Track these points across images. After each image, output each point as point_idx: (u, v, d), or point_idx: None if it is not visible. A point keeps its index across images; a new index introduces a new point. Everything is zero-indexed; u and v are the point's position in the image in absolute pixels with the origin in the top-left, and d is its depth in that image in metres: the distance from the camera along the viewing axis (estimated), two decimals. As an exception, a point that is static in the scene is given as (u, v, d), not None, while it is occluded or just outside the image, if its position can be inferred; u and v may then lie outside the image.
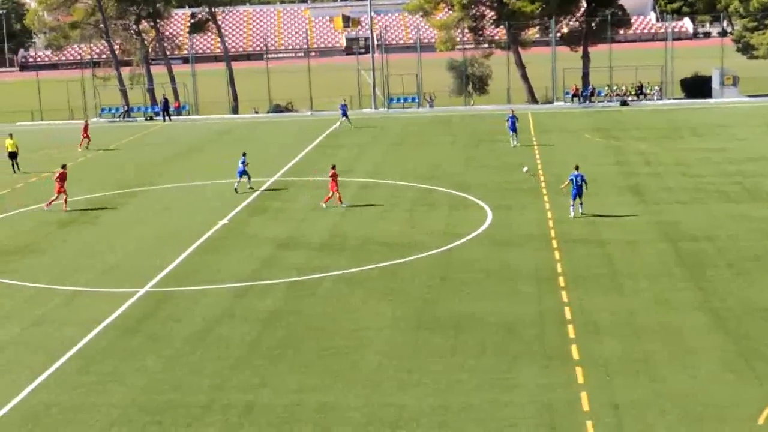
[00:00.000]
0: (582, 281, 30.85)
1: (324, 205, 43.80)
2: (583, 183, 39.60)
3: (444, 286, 31.05)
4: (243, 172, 48.41)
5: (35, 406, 22.72)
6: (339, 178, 44.30)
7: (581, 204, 39.65)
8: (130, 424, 21.64)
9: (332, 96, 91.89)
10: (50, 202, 45.64)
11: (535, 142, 61.76)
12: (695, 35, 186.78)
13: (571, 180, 39.42)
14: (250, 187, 48.72)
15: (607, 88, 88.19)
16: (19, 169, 57.62)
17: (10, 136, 58.58)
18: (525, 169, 48.38)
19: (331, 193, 43.90)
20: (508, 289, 30.45)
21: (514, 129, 61.03)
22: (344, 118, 75.05)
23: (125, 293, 31.48)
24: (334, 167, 44.23)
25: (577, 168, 39.85)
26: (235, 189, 48.12)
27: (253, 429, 21.17)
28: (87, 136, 68.54)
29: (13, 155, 57.82)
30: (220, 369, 24.50)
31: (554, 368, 23.68)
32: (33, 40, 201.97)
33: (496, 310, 28.23)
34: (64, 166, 46.96)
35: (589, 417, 20.98)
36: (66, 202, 45.44)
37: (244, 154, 49.41)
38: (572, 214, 39.50)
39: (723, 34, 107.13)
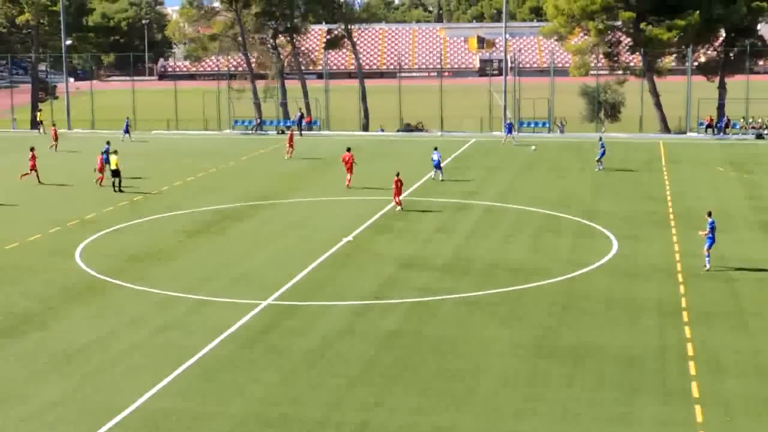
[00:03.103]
0: (707, 317, 30.26)
1: (399, 209, 48.06)
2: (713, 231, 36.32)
3: (565, 315, 30.78)
4: (437, 165, 57.36)
5: (156, 411, 23.23)
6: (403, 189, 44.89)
7: (708, 256, 36.23)
8: (246, 434, 22.00)
9: (464, 116, 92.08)
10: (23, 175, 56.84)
11: (665, 172, 60.79)
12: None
13: (711, 227, 36.00)
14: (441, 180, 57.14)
15: (742, 120, 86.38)
16: (120, 190, 54.88)
17: (115, 152, 56.44)
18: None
19: (396, 198, 48.38)
20: (630, 321, 30.03)
21: (602, 154, 62.68)
22: (509, 135, 78.04)
23: (249, 304, 31.97)
24: (398, 174, 48.68)
25: (710, 215, 36.64)
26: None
27: (367, 448, 21.29)
28: (56, 139, 74.97)
29: (115, 173, 55.22)
30: (337, 386, 24.71)
31: (673, 405, 23.27)
32: (173, 50, 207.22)
33: (617, 342, 27.88)
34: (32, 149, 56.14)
35: (707, 458, 20.58)
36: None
37: (435, 149, 58.64)
38: (708, 266, 36.04)
39: None
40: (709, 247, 36.03)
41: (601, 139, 64.24)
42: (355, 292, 33.67)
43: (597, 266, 37.17)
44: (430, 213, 48.25)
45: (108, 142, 61.15)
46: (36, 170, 58.42)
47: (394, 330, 29.31)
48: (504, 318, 30.48)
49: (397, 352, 27.31)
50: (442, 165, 58.77)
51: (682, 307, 31.47)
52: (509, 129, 79.15)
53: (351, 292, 33.70)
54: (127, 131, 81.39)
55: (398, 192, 48.44)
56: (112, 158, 55.39)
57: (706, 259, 36.11)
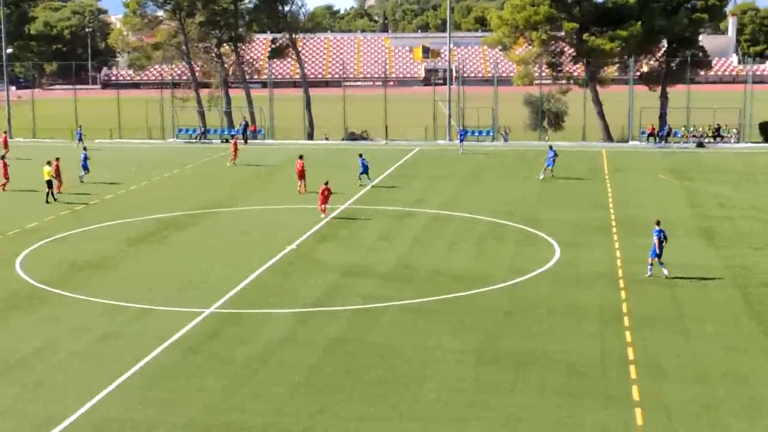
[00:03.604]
0: (647, 322, 30.57)
1: (323, 216, 47.90)
2: (665, 240, 36.26)
3: (508, 321, 30.96)
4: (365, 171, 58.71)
5: (99, 420, 23.03)
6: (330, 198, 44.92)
7: (662, 264, 36.07)
8: (188, 443, 21.88)
9: (408, 125, 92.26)
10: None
11: (608, 180, 61.36)
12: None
13: (658, 237, 35.91)
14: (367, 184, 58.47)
15: (684, 129, 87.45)
16: (55, 199, 54.39)
17: (48, 163, 55.75)
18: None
19: (322, 206, 48.09)
20: (572, 327, 30.27)
21: (551, 163, 63.01)
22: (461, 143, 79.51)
23: (192, 313, 31.81)
24: (326, 183, 48.54)
25: (658, 224, 36.65)
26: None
27: (310, 454, 21.27)
28: (6, 148, 75.33)
29: (49, 184, 54.60)
30: (280, 393, 24.66)
31: (614, 409, 23.49)
32: (116, 59, 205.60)
33: (559, 348, 28.09)
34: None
35: (648, 461, 20.79)
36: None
37: (360, 155, 59.92)
38: (650, 273, 36.21)
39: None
40: (653, 255, 36.08)
41: (551, 147, 64.45)
42: (299, 299, 33.61)
43: (540, 273, 37.43)
44: (374, 221, 48.33)
45: (85, 148, 62.38)
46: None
47: (338, 337, 29.31)
48: (447, 325, 30.56)
49: (340, 359, 27.32)
50: (369, 172, 60.04)
51: (624, 312, 31.77)
52: (462, 137, 79.80)
53: (294, 299, 33.63)
54: (80, 140, 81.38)
55: (324, 200, 48.19)
56: (45, 169, 55.10)
57: (649, 267, 36.27)
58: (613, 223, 47.25)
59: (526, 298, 33.65)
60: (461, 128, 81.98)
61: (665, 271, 35.91)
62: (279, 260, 39.75)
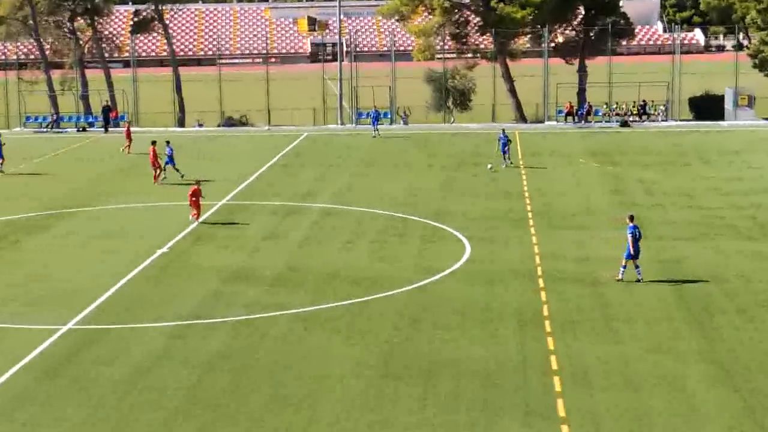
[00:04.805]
0: (571, 326, 30.89)
1: (195, 222, 46.45)
2: (640, 237, 35.79)
3: (415, 329, 31.00)
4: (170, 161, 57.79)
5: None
6: (200, 197, 45.85)
7: (638, 267, 35.75)
8: (47, 481, 21.47)
9: (294, 108, 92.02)
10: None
11: (522, 166, 61.89)
12: (707, 48, 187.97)
13: (632, 234, 35.38)
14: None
15: (605, 106, 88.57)
16: None
17: None
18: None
19: (194, 210, 46.81)
20: (487, 332, 30.43)
21: (505, 150, 61.99)
22: (375, 126, 79.42)
23: (47, 330, 31.25)
24: (198, 183, 47.55)
25: (631, 219, 36.12)
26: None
27: (190, 490, 21.02)
28: None
29: None
30: (153, 420, 24.33)
31: (537, 425, 23.64)
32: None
33: (473, 357, 28.21)
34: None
35: (576, 482, 20.96)
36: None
37: (168, 143, 58.51)
38: (621, 276, 35.76)
39: (738, 47, 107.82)
40: (628, 257, 35.67)
41: (504, 131, 63.42)
42: (173, 311, 33.26)
43: (448, 273, 37.59)
44: (257, 218, 48.10)
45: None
46: None
47: (219, 353, 29.05)
48: (345, 334, 30.53)
49: (223, 378, 27.07)
50: None
51: (544, 315, 32.06)
52: (376, 120, 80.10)
53: (168, 311, 33.27)
54: None
55: (195, 204, 46.80)
56: None
57: (621, 269, 35.77)
58: (530, 215, 47.68)
59: (434, 302, 33.75)
60: (375, 110, 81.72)
61: (639, 276, 35.56)
62: (148, 266, 39.32)
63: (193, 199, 46.71)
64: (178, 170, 58.12)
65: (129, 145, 70.71)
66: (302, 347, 29.48)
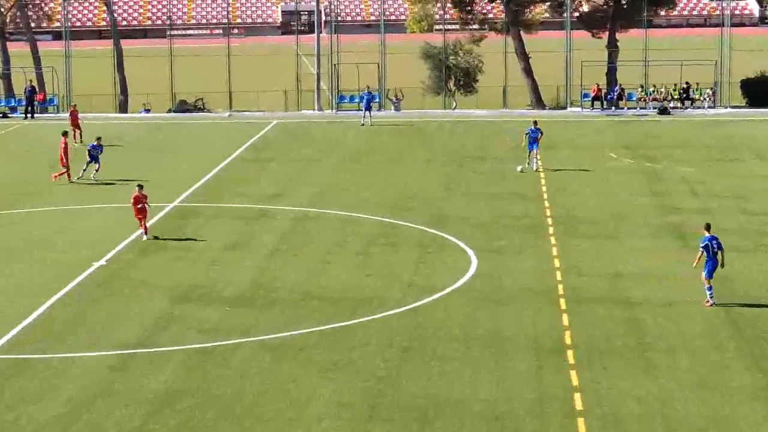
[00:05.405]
0: (599, 357, 30.87)
1: (145, 237, 45.10)
2: (720, 251, 35.61)
3: (408, 360, 30.97)
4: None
5: None
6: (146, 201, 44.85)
7: (710, 288, 35.48)
8: None
9: (262, 90, 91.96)
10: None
11: (527, 162, 61.60)
12: (762, 21, 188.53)
13: (706, 247, 35.52)
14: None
15: (640, 89, 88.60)
16: None
17: None
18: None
19: (142, 222, 45.37)
20: (497, 364, 30.41)
21: (534, 146, 59.59)
22: (367, 111, 79.11)
23: (-41, 361, 31.26)
24: (140, 187, 45.79)
25: (708, 228, 36.27)
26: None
27: None
28: None
29: None
30: (90, 470, 24.30)
31: (558, 478, 23.66)
32: None
33: (480, 395, 28.17)
34: None
35: None
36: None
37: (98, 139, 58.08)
38: (711, 301, 35.41)
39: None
40: (709, 274, 35.40)
41: (535, 123, 61.71)
42: (113, 337, 33.19)
43: (449, 291, 37.57)
44: (217, 224, 48.10)
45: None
46: None
47: (170, 389, 28.98)
48: (323, 367, 30.46)
49: (173, 419, 27.00)
50: None
51: (567, 344, 32.03)
52: (368, 104, 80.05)
53: (107, 338, 33.20)
54: None
55: (140, 212, 45.36)
56: None
57: (708, 292, 35.50)
58: (549, 221, 47.68)
59: (431, 327, 33.72)
60: (368, 91, 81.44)
61: (709, 297, 35.37)
62: (82, 282, 39.26)
63: (138, 207, 45.35)
64: (85, 170, 57.86)
65: (78, 134, 70.52)
66: (270, 382, 29.42)
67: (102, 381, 29.69)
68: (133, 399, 28.33)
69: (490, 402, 27.71)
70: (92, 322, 34.75)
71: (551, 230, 46.04)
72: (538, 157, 60.01)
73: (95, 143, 58.24)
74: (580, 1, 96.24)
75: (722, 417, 26.67)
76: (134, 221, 46.20)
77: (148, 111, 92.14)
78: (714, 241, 35.33)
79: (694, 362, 30.45)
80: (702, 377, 29.30)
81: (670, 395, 28.11)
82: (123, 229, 46.54)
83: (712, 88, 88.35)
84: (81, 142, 69.06)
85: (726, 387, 28.62)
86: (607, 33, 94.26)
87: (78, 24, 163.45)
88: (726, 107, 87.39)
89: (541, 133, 60.40)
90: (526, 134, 60.48)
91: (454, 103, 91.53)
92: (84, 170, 57.21)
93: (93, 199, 53.47)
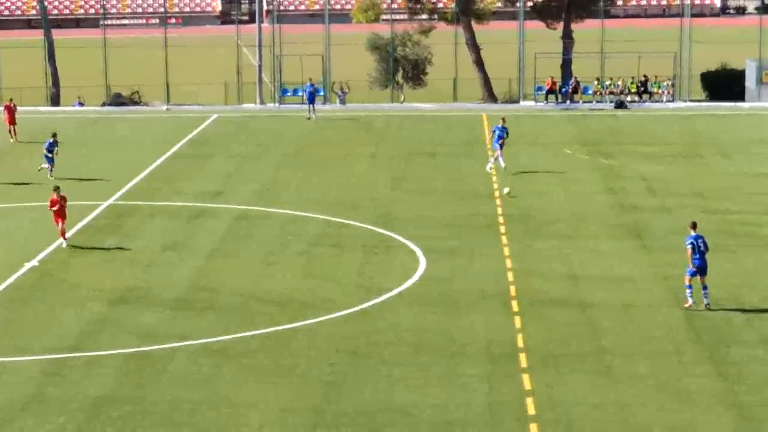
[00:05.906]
0: (553, 361, 31.01)
1: (65, 244, 44.09)
2: (706, 250, 35.67)
3: (355, 365, 31.04)
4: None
5: None
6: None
7: (705, 288, 35.44)
8: None
9: (200, 83, 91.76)
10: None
11: (491, 159, 61.79)
12: (724, 11, 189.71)
13: (692, 245, 35.51)
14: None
15: (596, 82, 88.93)
16: None
17: None
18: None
19: (59, 225, 43.92)
20: (448, 370, 30.50)
21: (500, 145, 58.79)
22: (311, 105, 79.31)
23: None
24: (57, 189, 44.89)
25: (694, 227, 36.24)
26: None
27: None
28: None
29: None
30: (21, 481, 24.29)
31: (511, 487, 23.81)
32: None
33: (429, 401, 28.25)
34: None
35: None
36: None
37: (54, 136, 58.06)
38: (690, 301, 35.45)
39: (763, 10, 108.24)
40: (692, 274, 35.46)
41: (503, 121, 60.87)
42: (45, 341, 33.09)
43: (398, 293, 37.67)
44: (154, 223, 48.04)
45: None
46: None
47: (105, 395, 28.91)
48: (266, 372, 30.51)
49: (109, 426, 26.95)
50: None
51: (519, 347, 32.16)
52: (312, 97, 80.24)
53: (39, 342, 33.10)
54: None
55: (59, 216, 44.12)
56: None
57: (687, 291, 35.59)
58: (501, 219, 47.81)
59: (379, 330, 33.82)
60: (310, 84, 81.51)
61: (707, 300, 35.35)
62: (12, 285, 39.17)
63: (54, 209, 44.23)
64: (42, 168, 57.69)
65: (14, 130, 70.27)
66: (210, 388, 29.42)
67: (34, 387, 29.57)
68: (66, 406, 28.23)
69: (440, 408, 27.81)
70: (24, 326, 34.63)
71: (504, 229, 46.17)
72: (502, 156, 59.14)
73: (52, 140, 57.87)
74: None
75: (681, 423, 26.87)
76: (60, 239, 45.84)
77: (81, 104, 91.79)
78: (700, 240, 35.42)
79: (653, 367, 30.62)
80: (660, 382, 29.48)
81: (627, 401, 28.27)
82: (54, 228, 46.35)
83: (671, 81, 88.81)
84: (15, 139, 68.85)
85: (685, 392, 28.81)
86: (561, 24, 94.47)
87: (6, 13, 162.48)
88: (685, 101, 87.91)
89: (507, 133, 59.86)
90: (493, 132, 60.25)
91: (402, 97, 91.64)
92: (50, 170, 56.98)
93: (23, 197, 53.25)
